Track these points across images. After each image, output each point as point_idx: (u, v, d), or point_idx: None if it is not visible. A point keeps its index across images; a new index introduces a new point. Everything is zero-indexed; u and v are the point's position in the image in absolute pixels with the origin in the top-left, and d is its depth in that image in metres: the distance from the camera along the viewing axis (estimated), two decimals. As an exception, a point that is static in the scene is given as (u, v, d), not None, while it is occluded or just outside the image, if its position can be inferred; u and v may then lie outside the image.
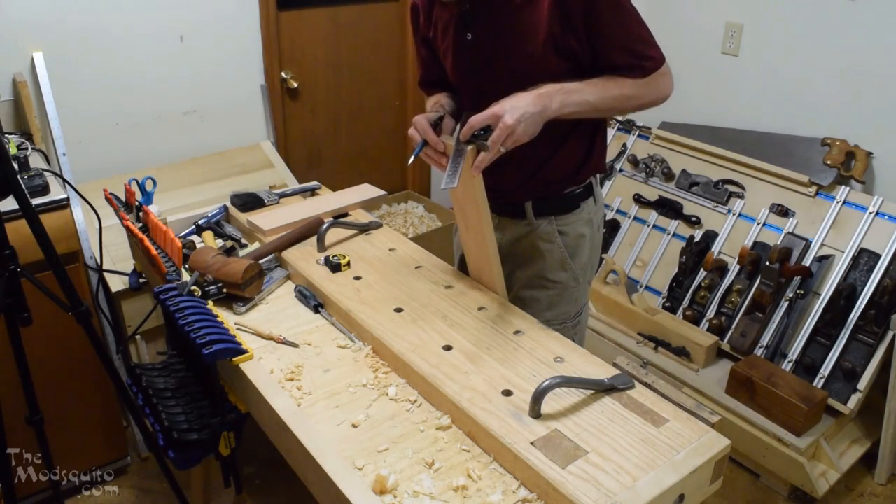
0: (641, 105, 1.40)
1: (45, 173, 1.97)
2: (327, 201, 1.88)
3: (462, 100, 1.57)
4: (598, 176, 1.59)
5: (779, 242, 2.44)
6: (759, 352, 2.37)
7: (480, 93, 1.44)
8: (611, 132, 3.03)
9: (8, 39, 2.24)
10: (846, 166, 2.43)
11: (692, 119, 2.90)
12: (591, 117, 1.43)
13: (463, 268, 1.64)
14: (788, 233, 2.45)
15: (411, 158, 1.38)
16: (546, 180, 1.51)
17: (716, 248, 2.60)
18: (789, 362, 2.31)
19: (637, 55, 1.34)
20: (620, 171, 2.98)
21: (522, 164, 1.48)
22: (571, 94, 1.30)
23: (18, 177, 1.44)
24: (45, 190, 1.92)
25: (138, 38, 2.48)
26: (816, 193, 2.43)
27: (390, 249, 1.65)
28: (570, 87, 1.30)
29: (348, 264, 1.56)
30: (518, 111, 1.22)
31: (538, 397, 1.09)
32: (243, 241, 1.77)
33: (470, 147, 1.28)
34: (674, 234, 2.74)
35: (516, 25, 1.35)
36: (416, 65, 1.71)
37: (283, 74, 2.93)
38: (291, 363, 1.30)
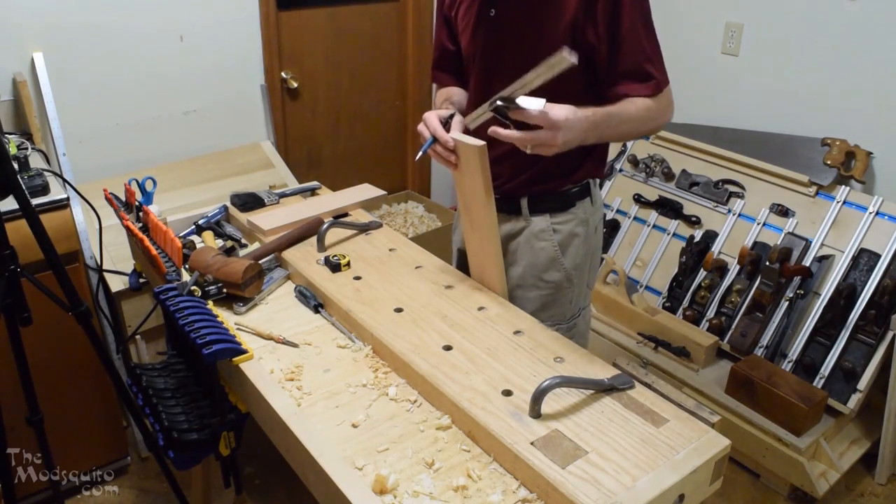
0: (653, 128, 1.43)
1: (45, 173, 1.97)
2: (327, 201, 1.88)
3: (469, 78, 1.57)
4: (596, 179, 1.60)
5: (779, 242, 2.44)
6: (759, 352, 2.37)
7: (491, 70, 1.45)
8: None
9: (8, 39, 2.24)
10: (846, 166, 2.43)
11: (692, 119, 2.90)
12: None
13: (461, 266, 1.64)
14: (788, 233, 2.45)
15: (419, 154, 1.39)
16: (542, 175, 1.51)
17: (716, 248, 2.60)
18: (789, 362, 2.31)
19: (652, 64, 1.36)
20: (620, 171, 2.98)
21: (519, 159, 1.48)
22: (611, 125, 1.32)
23: (18, 177, 1.44)
24: (45, 190, 1.92)
25: (138, 38, 2.48)
26: (816, 193, 2.43)
27: (390, 249, 1.65)
28: (612, 112, 1.32)
29: (348, 264, 1.56)
30: (570, 133, 1.22)
31: (538, 397, 1.09)
32: (243, 241, 1.77)
33: (480, 144, 1.28)
34: (674, 234, 2.74)
35: (542, 5, 1.36)
36: (431, 49, 1.71)
37: (283, 74, 2.93)
38: (291, 363, 1.30)
